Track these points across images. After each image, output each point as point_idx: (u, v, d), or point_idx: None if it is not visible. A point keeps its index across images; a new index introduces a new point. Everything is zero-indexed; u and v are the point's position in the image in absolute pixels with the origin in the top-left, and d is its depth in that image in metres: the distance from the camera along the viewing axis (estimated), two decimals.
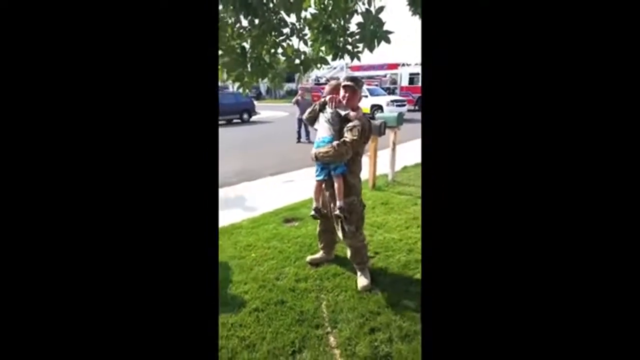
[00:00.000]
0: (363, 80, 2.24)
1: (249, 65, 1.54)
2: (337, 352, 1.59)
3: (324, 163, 1.99)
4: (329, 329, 1.73)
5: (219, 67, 1.54)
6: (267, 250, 2.58)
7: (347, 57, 1.77)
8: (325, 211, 2.14)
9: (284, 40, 1.58)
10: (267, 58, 1.55)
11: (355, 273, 2.15)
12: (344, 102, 1.97)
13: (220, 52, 1.51)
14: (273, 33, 1.52)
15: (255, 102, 15.29)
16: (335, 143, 1.91)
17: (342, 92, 1.99)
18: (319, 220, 2.28)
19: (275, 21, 1.48)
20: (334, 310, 1.86)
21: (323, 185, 2.08)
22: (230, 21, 1.52)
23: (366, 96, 11.44)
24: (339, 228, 2.05)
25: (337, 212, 1.97)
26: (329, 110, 2.00)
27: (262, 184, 4.63)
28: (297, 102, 8.11)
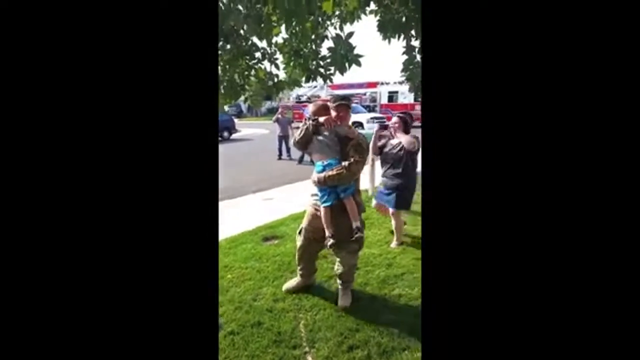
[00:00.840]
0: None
1: (221, 87, 1.57)
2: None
3: (331, 186, 1.89)
4: (306, 349, 1.71)
5: None
6: (244, 270, 2.54)
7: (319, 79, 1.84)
8: (318, 236, 2.03)
9: (256, 64, 1.63)
10: (239, 80, 1.59)
11: (336, 290, 2.13)
12: (339, 122, 1.92)
13: None
14: (245, 57, 1.57)
15: (236, 120, 15.30)
16: (346, 164, 1.84)
17: (334, 112, 1.94)
18: (300, 244, 2.16)
19: (246, 46, 1.53)
20: (312, 330, 1.84)
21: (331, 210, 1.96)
22: None
23: (357, 112, 11.72)
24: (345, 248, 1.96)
25: (357, 234, 1.89)
26: (325, 132, 1.91)
27: (242, 202, 4.59)
28: (277, 120, 8.20)
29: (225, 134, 12.81)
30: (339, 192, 1.91)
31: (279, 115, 8.28)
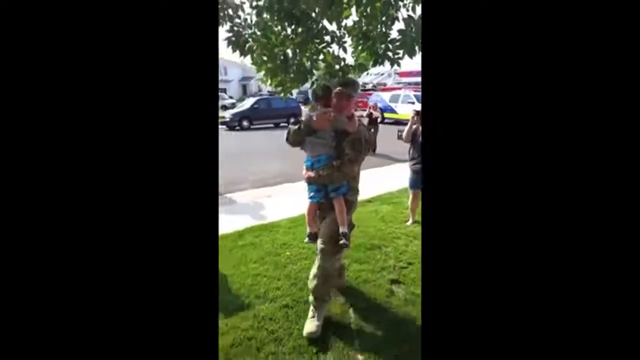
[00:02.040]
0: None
1: (291, 72, 1.63)
2: (360, 358, 1.59)
3: (321, 184, 1.71)
4: (353, 336, 1.74)
5: (264, 73, 1.64)
6: (302, 249, 2.65)
7: (387, 64, 1.78)
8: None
9: (324, 48, 1.64)
10: (307, 64, 1.62)
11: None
12: (338, 113, 1.64)
13: (264, 59, 1.62)
14: (315, 40, 1.59)
15: (303, 107, 15.70)
16: (336, 163, 1.64)
17: (333, 101, 1.66)
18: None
19: (316, 29, 1.55)
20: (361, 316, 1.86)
21: (318, 208, 1.80)
22: (275, 29, 1.63)
23: (413, 102, 11.20)
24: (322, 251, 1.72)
25: (342, 241, 1.66)
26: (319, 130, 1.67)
27: (304, 185, 4.75)
28: None
29: (292, 120, 13.27)
30: (329, 190, 1.72)
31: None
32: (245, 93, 32.07)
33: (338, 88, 1.65)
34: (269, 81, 1.77)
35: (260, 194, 4.38)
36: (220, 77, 30.31)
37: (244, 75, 36.98)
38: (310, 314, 1.78)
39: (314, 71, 1.71)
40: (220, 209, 3.85)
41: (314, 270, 1.76)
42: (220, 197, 4.35)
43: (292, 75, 1.61)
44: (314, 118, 1.66)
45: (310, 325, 1.71)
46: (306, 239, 1.88)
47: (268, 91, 28.77)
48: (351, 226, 1.79)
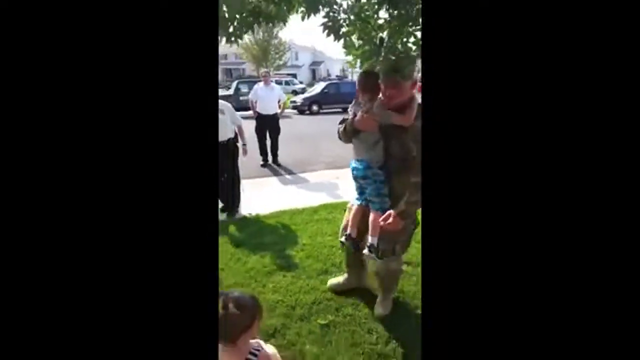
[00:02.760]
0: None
1: (382, 54, 1.69)
2: None
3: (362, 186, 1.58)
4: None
5: (358, 56, 1.73)
6: None
7: None
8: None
9: (417, 30, 1.66)
10: (401, 48, 1.66)
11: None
12: (389, 102, 1.38)
13: (361, 42, 1.71)
14: (409, 24, 1.62)
15: None
16: (390, 215, 1.42)
17: (382, 90, 1.39)
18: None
19: (413, 13, 1.57)
20: None
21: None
22: (371, 13, 1.70)
23: None
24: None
25: (366, 252, 1.58)
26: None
27: None
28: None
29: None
30: (367, 195, 1.58)
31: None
32: (314, 78, 32.60)
33: (385, 73, 1.36)
34: (359, 64, 1.85)
35: (332, 175, 4.56)
36: (291, 63, 31.24)
37: (314, 60, 37.37)
38: (378, 298, 1.79)
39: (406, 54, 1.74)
40: (294, 186, 4.14)
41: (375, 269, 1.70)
42: (294, 176, 4.67)
43: (382, 59, 1.67)
44: (357, 119, 1.46)
45: (382, 308, 1.75)
46: (342, 238, 1.70)
47: (337, 76, 28.83)
48: (415, 223, 1.61)
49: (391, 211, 1.44)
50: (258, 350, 0.92)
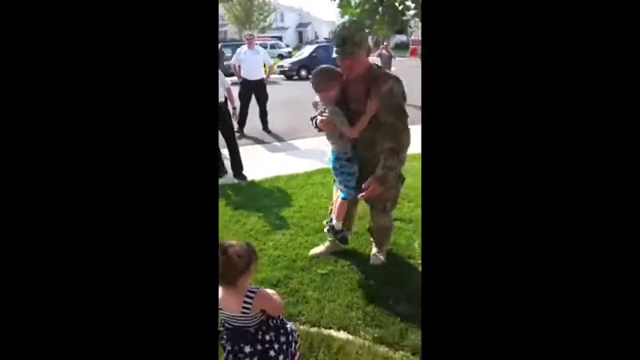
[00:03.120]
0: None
1: (380, 12, 1.69)
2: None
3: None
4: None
5: (355, 15, 1.72)
6: None
7: None
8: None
9: None
10: (400, 6, 1.66)
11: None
12: (347, 74, 1.51)
13: (358, 1, 1.69)
14: None
15: None
16: (377, 176, 1.52)
17: (339, 62, 1.51)
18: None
19: None
20: None
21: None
22: None
23: None
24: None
25: (327, 229, 1.82)
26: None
27: None
28: (379, 55, 8.18)
29: None
30: (337, 183, 1.79)
31: (383, 51, 8.20)
32: (301, 41, 31.24)
33: (337, 45, 1.41)
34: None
35: (322, 143, 4.58)
36: (276, 25, 29.70)
37: (301, 21, 35.52)
38: (374, 250, 1.93)
39: (405, 12, 1.74)
40: (285, 154, 4.16)
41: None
42: (283, 143, 4.64)
43: (383, 17, 1.66)
44: (318, 120, 1.59)
45: (374, 259, 1.88)
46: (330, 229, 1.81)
47: (325, 38, 27.64)
48: (402, 178, 1.72)
49: (371, 178, 1.53)
50: (255, 290, 1.04)
